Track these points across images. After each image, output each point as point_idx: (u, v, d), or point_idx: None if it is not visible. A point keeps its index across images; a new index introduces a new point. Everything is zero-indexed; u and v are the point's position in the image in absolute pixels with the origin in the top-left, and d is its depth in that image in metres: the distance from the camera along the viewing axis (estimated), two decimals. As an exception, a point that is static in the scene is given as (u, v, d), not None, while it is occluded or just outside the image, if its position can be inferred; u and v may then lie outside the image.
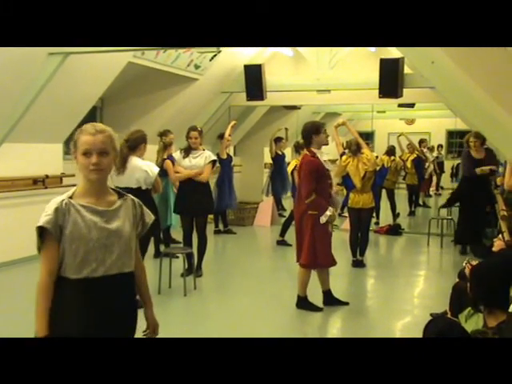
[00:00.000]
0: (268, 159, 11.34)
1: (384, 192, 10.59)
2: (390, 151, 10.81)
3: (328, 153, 6.14)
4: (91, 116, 8.05)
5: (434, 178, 14.13)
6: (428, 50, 4.33)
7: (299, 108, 11.42)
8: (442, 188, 14.74)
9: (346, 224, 8.39)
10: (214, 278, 6.64)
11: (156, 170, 5.36)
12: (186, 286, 5.74)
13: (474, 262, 3.49)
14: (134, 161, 5.21)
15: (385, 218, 10.54)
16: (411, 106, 10.52)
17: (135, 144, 5.27)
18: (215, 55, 8.14)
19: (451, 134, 15.27)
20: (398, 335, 4.83)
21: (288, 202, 11.14)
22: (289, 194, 10.19)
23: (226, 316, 5.21)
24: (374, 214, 9.20)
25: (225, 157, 8.98)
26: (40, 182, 7.11)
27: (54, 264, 2.21)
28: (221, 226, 9.67)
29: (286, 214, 10.18)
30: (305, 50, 8.84)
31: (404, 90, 7.54)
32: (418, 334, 3.01)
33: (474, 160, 7.54)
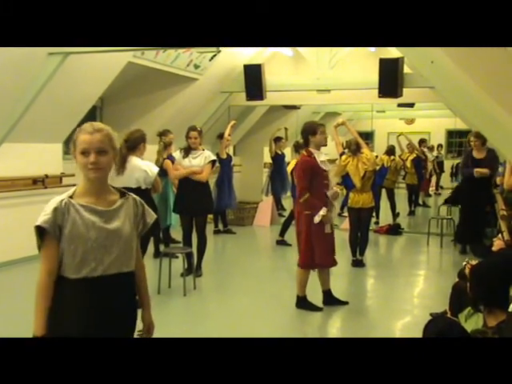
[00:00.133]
0: (268, 159, 11.33)
1: (384, 192, 10.59)
2: (390, 151, 10.82)
3: (327, 153, 6.14)
4: (91, 116, 8.05)
5: (434, 178, 14.13)
6: (427, 49, 4.32)
7: (299, 108, 11.42)
8: (442, 188, 14.75)
9: (346, 223, 8.39)
10: (214, 278, 6.64)
11: (155, 169, 5.36)
12: (186, 286, 5.74)
13: (474, 262, 3.49)
14: (134, 161, 5.20)
15: (385, 217, 10.54)
16: (411, 105, 10.52)
17: (134, 144, 5.27)
18: (215, 55, 8.14)
19: (451, 134, 15.29)
20: (397, 335, 4.83)
21: (288, 202, 11.14)
22: (288, 193, 10.18)
23: (226, 316, 5.21)
24: (374, 214, 9.21)
25: (224, 157, 8.98)
26: (40, 182, 7.11)
27: (54, 263, 2.21)
28: (220, 226, 9.67)
29: (286, 213, 10.18)
30: (304, 50, 8.84)
31: (404, 89, 7.54)
32: (418, 334, 3.01)
33: (473, 160, 7.54)
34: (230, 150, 10.55)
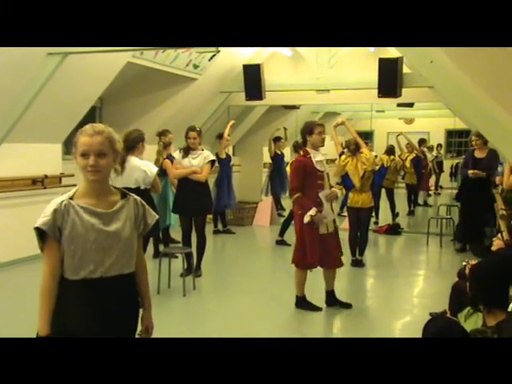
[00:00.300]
0: (267, 159, 11.33)
1: (383, 191, 10.59)
2: (390, 151, 10.81)
3: (326, 153, 6.13)
4: (90, 116, 8.04)
5: (433, 178, 14.13)
6: (427, 49, 4.32)
7: (298, 108, 11.43)
8: (441, 187, 14.75)
9: (346, 223, 8.39)
10: (213, 278, 6.64)
11: (155, 169, 5.36)
12: (186, 286, 5.74)
13: (474, 262, 3.49)
14: (133, 161, 5.20)
15: (384, 217, 10.54)
16: (410, 105, 10.52)
17: (133, 144, 5.26)
18: (214, 55, 8.14)
19: (450, 134, 15.29)
20: (397, 335, 4.83)
21: (287, 202, 11.13)
22: (288, 193, 10.19)
23: (226, 316, 5.21)
24: (374, 214, 9.21)
25: (224, 156, 8.97)
26: (39, 182, 7.10)
27: (56, 264, 2.23)
28: (220, 226, 9.67)
29: (285, 213, 10.18)
30: (304, 50, 8.84)
31: (403, 89, 7.55)
32: (418, 334, 3.01)
33: (474, 159, 7.55)
34: (230, 150, 10.55)
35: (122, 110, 8.77)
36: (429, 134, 14.88)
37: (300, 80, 8.76)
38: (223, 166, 9.05)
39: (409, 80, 7.50)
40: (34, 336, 2.26)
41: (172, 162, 6.42)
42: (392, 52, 7.66)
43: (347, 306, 5.39)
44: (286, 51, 9.63)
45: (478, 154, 7.55)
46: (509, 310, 2.84)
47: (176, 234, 7.69)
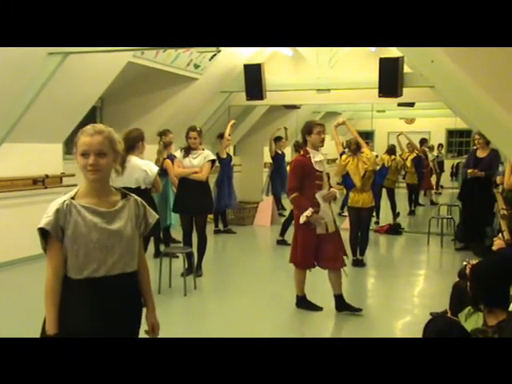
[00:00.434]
0: (268, 159, 11.34)
1: (384, 191, 10.59)
2: (391, 150, 10.80)
3: (327, 153, 6.13)
4: (91, 116, 8.05)
5: (434, 177, 14.13)
6: (427, 49, 4.32)
7: (299, 107, 11.42)
8: (442, 187, 14.75)
9: (346, 223, 8.39)
10: (214, 278, 6.64)
11: (155, 169, 5.36)
12: (186, 286, 5.74)
13: (474, 261, 3.49)
14: (133, 160, 5.20)
15: (385, 217, 10.54)
16: (411, 105, 10.52)
17: (133, 143, 5.25)
18: (215, 55, 8.14)
19: (451, 133, 15.28)
20: (398, 334, 4.83)
21: (288, 202, 11.08)
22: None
23: (226, 316, 5.21)
24: (374, 214, 9.20)
25: (224, 156, 8.98)
26: (40, 182, 7.11)
27: (59, 264, 2.24)
28: (221, 226, 9.67)
29: (286, 213, 10.17)
30: (304, 50, 8.84)
31: (404, 89, 7.54)
32: (418, 334, 3.01)
33: (476, 158, 7.55)
34: (230, 150, 10.55)
35: (122, 109, 8.78)
36: (429, 134, 14.87)
37: (301, 80, 8.76)
38: (224, 165, 9.05)
39: (409, 80, 7.50)
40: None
41: (173, 161, 6.43)
42: (393, 52, 7.66)
43: (357, 310, 5.21)
44: (286, 51, 9.63)
45: (480, 154, 7.55)
46: (509, 309, 2.84)
47: (177, 233, 7.69)
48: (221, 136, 9.39)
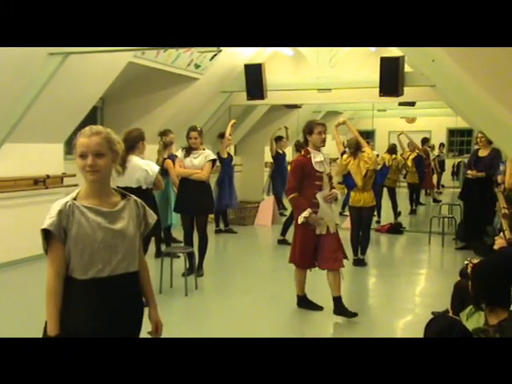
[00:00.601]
0: (269, 158, 11.33)
1: (385, 190, 10.59)
2: (392, 149, 10.80)
3: (328, 152, 6.12)
4: (92, 116, 8.05)
5: (435, 177, 14.13)
6: (428, 48, 4.32)
7: (300, 107, 11.43)
8: (443, 186, 14.75)
9: (347, 223, 8.39)
10: (215, 278, 6.64)
11: (156, 168, 5.35)
12: (188, 286, 5.74)
13: (476, 261, 3.49)
14: (134, 160, 5.20)
15: (386, 216, 10.54)
16: (412, 104, 10.52)
17: (133, 143, 5.24)
18: (215, 55, 8.14)
19: (452, 133, 15.27)
20: (399, 334, 4.83)
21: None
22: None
23: (227, 315, 5.21)
24: (376, 213, 9.20)
25: (225, 156, 8.98)
26: (41, 182, 7.11)
27: (61, 265, 2.24)
28: (222, 226, 9.67)
29: (287, 213, 10.17)
30: (305, 49, 8.83)
31: (404, 88, 7.54)
32: (420, 333, 3.01)
33: (477, 157, 7.55)
34: (231, 150, 10.55)
35: (123, 109, 8.78)
36: (430, 133, 14.86)
37: (301, 79, 8.76)
38: (225, 165, 9.05)
39: (410, 79, 7.49)
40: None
41: (174, 161, 6.43)
42: (393, 51, 7.65)
43: (353, 316, 5.04)
44: (287, 51, 9.63)
45: (481, 153, 7.56)
46: (511, 308, 2.84)
47: (178, 233, 7.69)
48: (221, 136, 9.39)
